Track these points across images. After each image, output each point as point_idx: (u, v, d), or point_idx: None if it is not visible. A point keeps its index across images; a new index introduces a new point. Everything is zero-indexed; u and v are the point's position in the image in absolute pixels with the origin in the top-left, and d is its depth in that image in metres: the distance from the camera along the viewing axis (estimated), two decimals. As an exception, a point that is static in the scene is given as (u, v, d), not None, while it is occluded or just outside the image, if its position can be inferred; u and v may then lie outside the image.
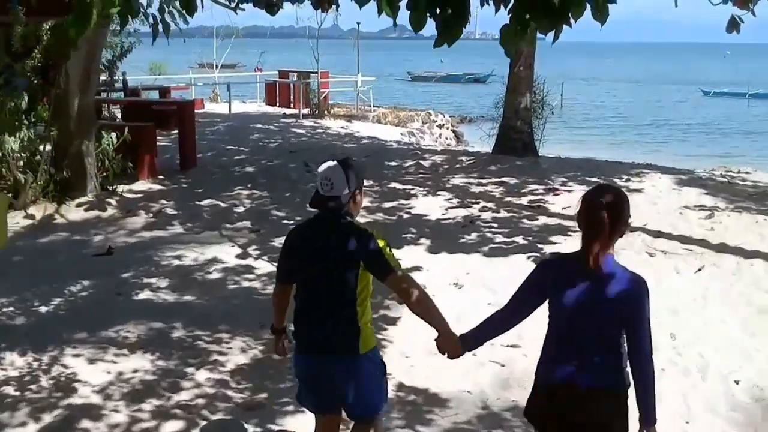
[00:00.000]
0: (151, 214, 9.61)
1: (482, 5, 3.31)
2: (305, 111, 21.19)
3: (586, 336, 2.88)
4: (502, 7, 3.33)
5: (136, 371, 5.27)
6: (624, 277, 2.86)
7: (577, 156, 15.53)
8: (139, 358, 5.50)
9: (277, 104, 23.63)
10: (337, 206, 3.18)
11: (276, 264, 3.67)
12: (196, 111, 21.92)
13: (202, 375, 5.23)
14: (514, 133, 12.87)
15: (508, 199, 10.21)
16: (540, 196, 10.26)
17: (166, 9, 5.41)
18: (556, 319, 2.95)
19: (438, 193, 10.58)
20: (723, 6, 8.21)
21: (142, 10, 5.39)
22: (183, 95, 24.24)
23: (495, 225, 8.91)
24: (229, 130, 17.35)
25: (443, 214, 9.46)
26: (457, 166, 12.74)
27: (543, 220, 9.07)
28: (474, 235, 8.52)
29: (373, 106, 23.04)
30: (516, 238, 8.36)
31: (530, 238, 8.36)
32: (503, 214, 9.41)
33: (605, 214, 2.78)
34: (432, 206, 9.83)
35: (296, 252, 3.32)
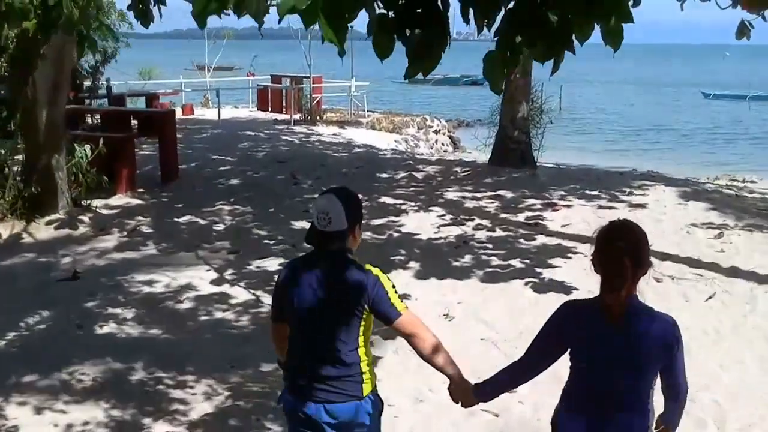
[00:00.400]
0: (125, 233, 9.05)
1: (466, 23, 2.71)
2: (297, 117, 20.66)
3: (616, 393, 2.67)
4: (486, 29, 2.76)
5: (86, 424, 4.72)
6: (653, 325, 2.64)
7: (577, 164, 15.04)
8: (91, 406, 4.94)
9: (269, 110, 23.10)
10: (336, 243, 2.93)
11: (256, 295, 3.33)
12: (185, 117, 21.62)
13: (160, 428, 4.67)
14: (511, 144, 12.30)
15: (504, 215, 9.65)
16: (538, 212, 9.70)
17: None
18: (581, 374, 2.74)
19: (430, 208, 10.02)
20: (731, 10, 7.76)
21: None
22: (173, 101, 23.75)
23: (490, 246, 8.36)
24: (217, 138, 16.78)
25: (435, 233, 8.91)
26: (452, 177, 12.20)
27: (541, 239, 8.50)
28: (467, 258, 7.97)
29: (368, 111, 22.50)
30: (512, 261, 7.80)
31: (528, 260, 7.80)
32: (499, 233, 8.85)
33: (626, 260, 2.54)
34: (424, 223, 9.27)
35: (291, 293, 2.99)
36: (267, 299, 6.42)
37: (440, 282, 7.26)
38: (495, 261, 7.83)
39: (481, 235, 8.76)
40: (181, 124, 19.66)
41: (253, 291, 7.10)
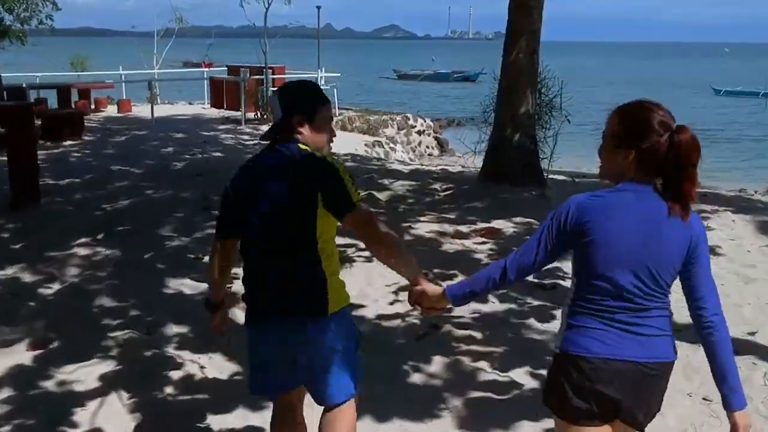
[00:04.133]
0: None
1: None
2: (250, 115, 17.17)
3: (646, 288, 2.21)
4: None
5: None
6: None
7: (593, 174, 11.52)
8: None
9: (224, 106, 19.56)
10: (282, 135, 2.66)
11: None
12: (118, 115, 18.00)
13: None
14: (511, 151, 8.76)
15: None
16: (554, 264, 6.22)
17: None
18: (598, 269, 2.20)
19: (388, 254, 6.53)
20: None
21: None
22: (110, 96, 20.26)
23: (478, 336, 4.88)
24: (136, 142, 13.28)
25: (389, 305, 5.42)
26: (428, 198, 8.72)
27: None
28: (437, 364, 4.48)
29: (339, 109, 18.98)
30: (516, 373, 4.33)
31: (543, 371, 4.33)
32: (494, 306, 5.36)
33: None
34: (374, 287, 5.78)
35: (242, 192, 2.67)
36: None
37: (380, 428, 3.77)
38: (486, 375, 4.35)
39: (463, 309, 5.27)
40: (107, 123, 16.25)
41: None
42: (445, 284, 2.57)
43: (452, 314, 5.13)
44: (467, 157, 10.86)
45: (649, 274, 2.18)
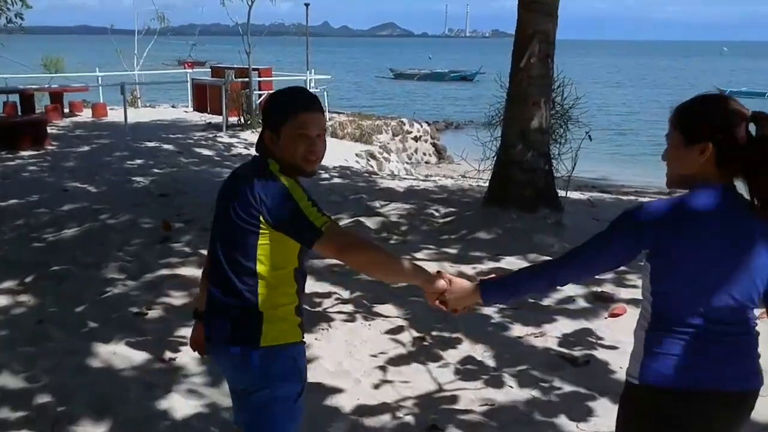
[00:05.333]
0: None
1: None
2: (233, 120, 15.93)
3: (730, 311, 1.96)
4: None
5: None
6: None
7: (614, 182, 10.37)
8: None
9: (208, 110, 18.30)
10: (258, 147, 2.47)
11: None
12: (90, 120, 16.68)
13: None
14: (521, 172, 7.52)
15: (515, 329, 4.95)
16: (581, 320, 5.01)
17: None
18: (680, 288, 1.96)
19: (375, 308, 5.30)
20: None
21: None
22: (85, 99, 19.02)
23: (492, 442, 3.66)
24: (99, 154, 12.02)
25: (374, 389, 4.18)
26: (425, 226, 7.48)
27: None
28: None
29: (329, 113, 17.72)
30: None
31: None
32: (509, 394, 4.11)
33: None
34: (355, 358, 4.55)
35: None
36: None
37: None
38: None
39: (471, 397, 4.03)
40: (77, 130, 14.97)
41: None
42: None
43: (456, 408, 3.90)
44: (468, 156, 9.56)
45: (739, 289, 1.93)
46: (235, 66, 18.72)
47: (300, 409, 2.39)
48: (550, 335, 4.80)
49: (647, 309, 2.02)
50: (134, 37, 21.83)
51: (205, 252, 6.75)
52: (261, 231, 2.27)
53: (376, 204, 8.38)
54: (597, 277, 5.36)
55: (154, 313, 5.29)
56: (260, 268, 2.30)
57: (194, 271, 6.13)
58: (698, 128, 1.97)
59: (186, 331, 4.99)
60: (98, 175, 10.16)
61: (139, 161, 11.30)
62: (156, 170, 10.63)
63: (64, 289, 5.77)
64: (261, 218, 2.25)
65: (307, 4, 18.04)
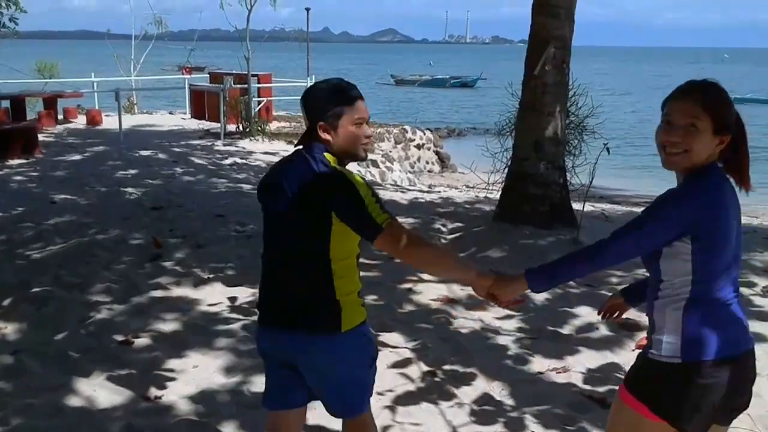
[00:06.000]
0: None
1: None
2: (232, 128, 15.53)
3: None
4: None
5: None
6: None
7: (628, 194, 9.90)
8: None
9: (206, 117, 17.90)
10: (308, 139, 2.50)
11: None
12: (84, 128, 16.17)
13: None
14: (535, 186, 7.08)
15: (532, 361, 4.52)
16: (605, 351, 4.58)
17: None
18: (719, 265, 2.11)
19: (379, 336, 4.87)
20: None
21: None
22: (80, 105, 18.63)
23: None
24: (92, 163, 11.61)
25: (382, 431, 3.77)
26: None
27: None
28: None
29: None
30: None
31: None
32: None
33: None
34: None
35: (261, 192, 2.59)
36: None
37: None
38: None
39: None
40: (70, 138, 14.57)
41: None
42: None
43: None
44: (475, 166, 9.14)
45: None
46: (234, 72, 18.36)
47: (374, 371, 2.63)
48: (573, 370, 4.37)
49: (683, 288, 2.10)
50: (131, 42, 21.41)
51: (198, 271, 6.41)
52: (333, 223, 2.36)
53: (380, 218, 7.95)
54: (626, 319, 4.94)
55: (141, 342, 4.86)
56: (333, 259, 2.42)
57: (186, 292, 5.73)
58: (727, 118, 2.09)
59: (175, 363, 4.58)
60: (88, 186, 9.76)
61: (132, 171, 10.89)
62: (149, 181, 10.21)
63: (45, 312, 5.35)
64: (332, 212, 2.35)
65: (307, 9, 17.66)
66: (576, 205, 7.68)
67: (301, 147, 2.52)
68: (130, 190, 9.49)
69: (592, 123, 7.79)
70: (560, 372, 4.35)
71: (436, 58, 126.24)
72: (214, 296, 5.67)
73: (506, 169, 7.51)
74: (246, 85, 16.00)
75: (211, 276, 6.14)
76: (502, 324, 5.11)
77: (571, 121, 7.54)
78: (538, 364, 4.47)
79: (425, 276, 6.01)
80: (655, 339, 2.16)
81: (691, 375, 2.08)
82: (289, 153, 2.61)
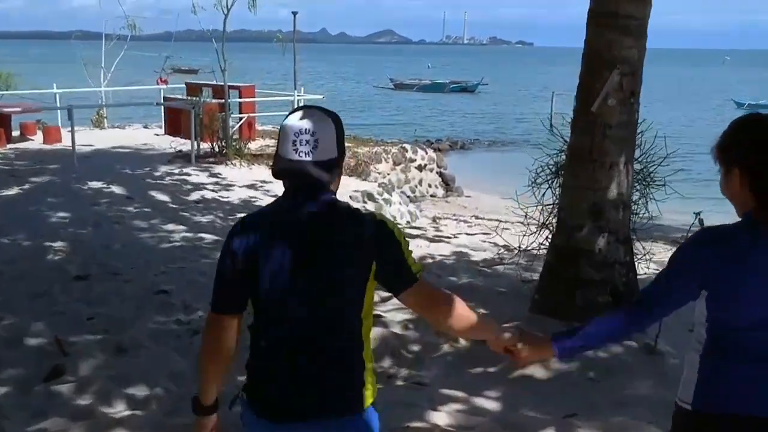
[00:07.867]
0: None
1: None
2: (206, 147, 13.54)
3: None
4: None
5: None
6: None
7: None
8: None
9: (181, 133, 15.89)
10: (324, 178, 2.00)
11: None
12: (39, 148, 14.01)
13: None
14: (592, 268, 4.99)
15: None
16: None
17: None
18: (729, 320, 1.99)
19: None
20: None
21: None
22: (41, 120, 16.61)
23: None
24: (24, 202, 9.57)
25: None
26: (444, 350, 5.02)
27: None
28: None
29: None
30: None
31: None
32: None
33: None
34: None
35: (258, 253, 1.99)
36: None
37: None
38: None
39: None
40: (16, 162, 12.54)
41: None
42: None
43: None
44: (483, 187, 7.14)
45: None
46: (214, 83, 16.34)
47: None
48: None
49: (701, 334, 2.01)
50: (102, 48, 19.34)
51: (107, 403, 4.42)
52: (369, 278, 2.03)
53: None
54: None
55: None
56: (364, 322, 2.08)
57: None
58: (725, 154, 1.96)
59: None
60: (8, 236, 7.74)
61: (70, 214, 8.84)
62: (88, 229, 8.18)
63: None
64: (373, 266, 2.00)
65: (294, 13, 15.69)
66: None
67: (297, 188, 2.01)
68: (57, 245, 7.44)
69: (662, 172, 5.77)
70: None
71: (434, 60, 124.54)
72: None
73: (550, 245, 5.45)
74: (223, 101, 14.00)
75: (125, 414, 4.13)
76: None
77: (636, 172, 5.51)
78: None
79: (439, 413, 3.99)
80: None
81: (694, 423, 2.01)
82: (283, 200, 2.04)
